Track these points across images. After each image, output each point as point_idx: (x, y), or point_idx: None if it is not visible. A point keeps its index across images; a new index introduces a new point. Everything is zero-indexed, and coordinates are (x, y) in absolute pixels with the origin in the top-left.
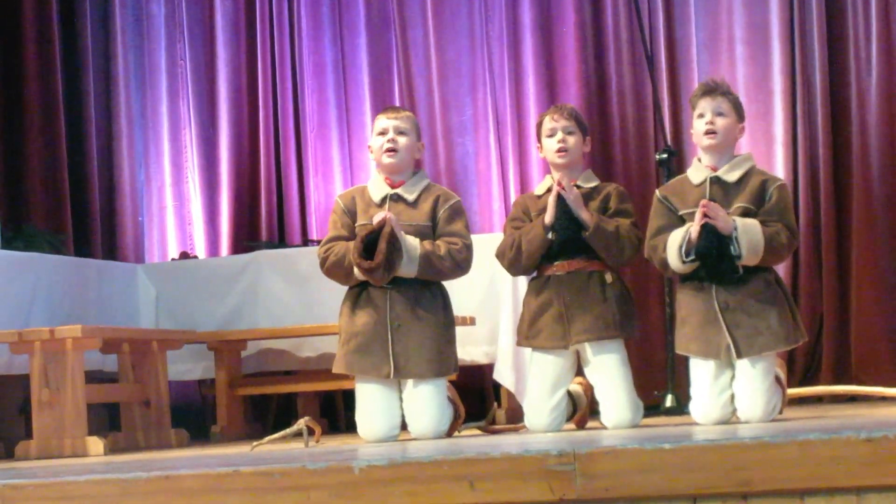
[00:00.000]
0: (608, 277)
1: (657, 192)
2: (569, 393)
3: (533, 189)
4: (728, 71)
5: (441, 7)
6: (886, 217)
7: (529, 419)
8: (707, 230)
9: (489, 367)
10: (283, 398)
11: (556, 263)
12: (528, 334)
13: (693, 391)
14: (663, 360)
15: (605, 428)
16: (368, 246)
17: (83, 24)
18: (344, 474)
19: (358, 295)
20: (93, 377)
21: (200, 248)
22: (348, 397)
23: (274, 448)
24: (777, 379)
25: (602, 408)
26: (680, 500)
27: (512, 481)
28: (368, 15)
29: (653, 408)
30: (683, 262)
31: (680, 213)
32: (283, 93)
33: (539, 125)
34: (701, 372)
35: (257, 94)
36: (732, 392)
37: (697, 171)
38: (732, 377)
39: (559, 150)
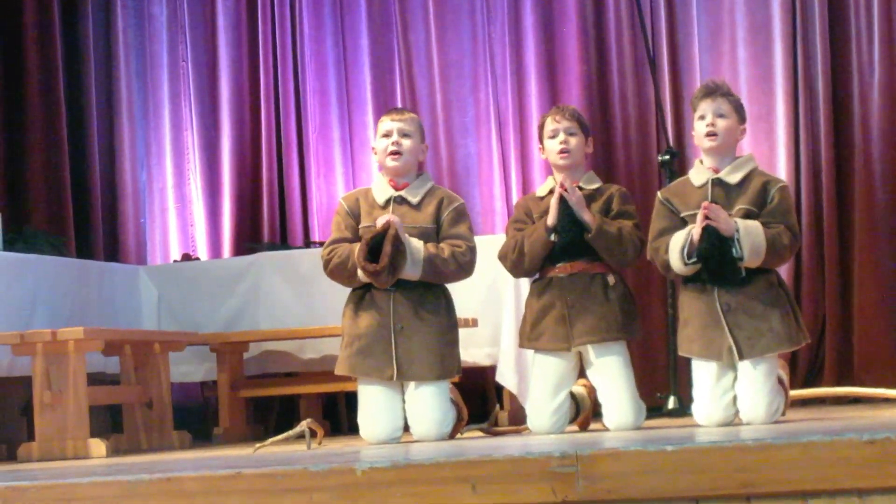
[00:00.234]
0: (610, 279)
1: (659, 193)
2: (572, 395)
3: (535, 190)
4: (730, 72)
5: (443, 8)
6: (889, 218)
7: (532, 421)
8: (709, 232)
9: (491, 369)
10: (286, 400)
11: (558, 265)
12: (530, 336)
13: (695, 393)
14: (666, 361)
15: (607, 430)
16: (373, 249)
17: (85, 26)
18: (346, 476)
19: (361, 297)
20: (95, 379)
21: (202, 250)
22: (350, 399)
23: (276, 450)
24: (779, 380)
25: (604, 410)
26: (682, 502)
27: (514, 483)
28: (370, 16)
29: (655, 409)
30: (685, 265)
31: (682, 214)
32: (285, 94)
33: (541, 126)
34: (703, 374)
35: (259, 95)
36: (735, 394)
37: (699, 173)
38: (735, 379)
39: (561, 152)
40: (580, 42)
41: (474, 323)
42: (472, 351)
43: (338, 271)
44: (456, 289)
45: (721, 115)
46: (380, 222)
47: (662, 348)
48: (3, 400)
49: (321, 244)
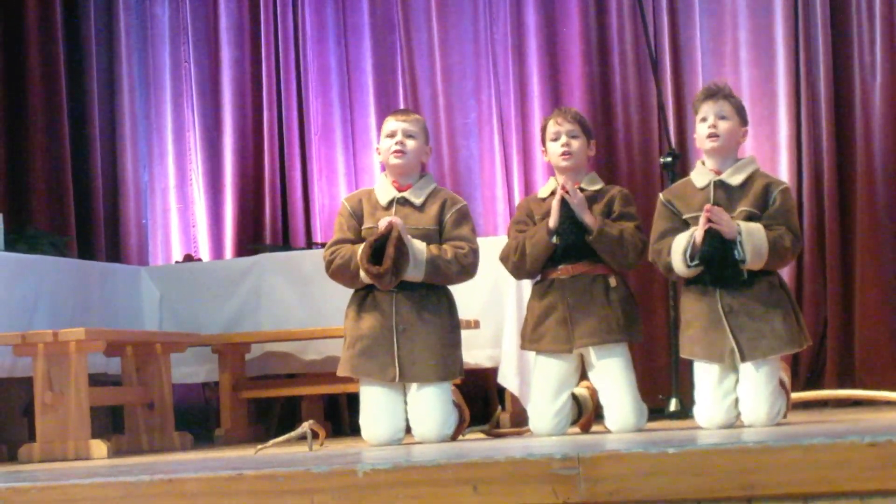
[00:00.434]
0: (612, 281)
1: (661, 195)
2: (575, 396)
3: (536, 192)
4: (732, 74)
5: (445, 10)
6: (890, 220)
7: (533, 423)
8: (711, 235)
9: (493, 371)
10: (287, 401)
11: (560, 267)
12: (531, 338)
13: (697, 395)
14: (667, 363)
15: (609, 432)
16: (375, 251)
17: (87, 27)
18: (348, 478)
19: (363, 298)
20: (96, 380)
21: (204, 251)
22: (352, 400)
23: (278, 451)
24: (781, 383)
25: (606, 412)
26: None
27: (516, 485)
28: (373, 18)
29: (657, 412)
30: (688, 267)
31: (684, 216)
32: (287, 95)
33: (543, 128)
34: (705, 376)
35: (261, 96)
36: (736, 396)
37: (701, 175)
38: (736, 381)
39: (563, 154)
40: (582, 44)
41: (476, 325)
42: (473, 353)
43: (340, 272)
44: (458, 290)
45: (723, 118)
46: (382, 224)
47: (664, 350)
48: (5, 401)
49: (323, 245)
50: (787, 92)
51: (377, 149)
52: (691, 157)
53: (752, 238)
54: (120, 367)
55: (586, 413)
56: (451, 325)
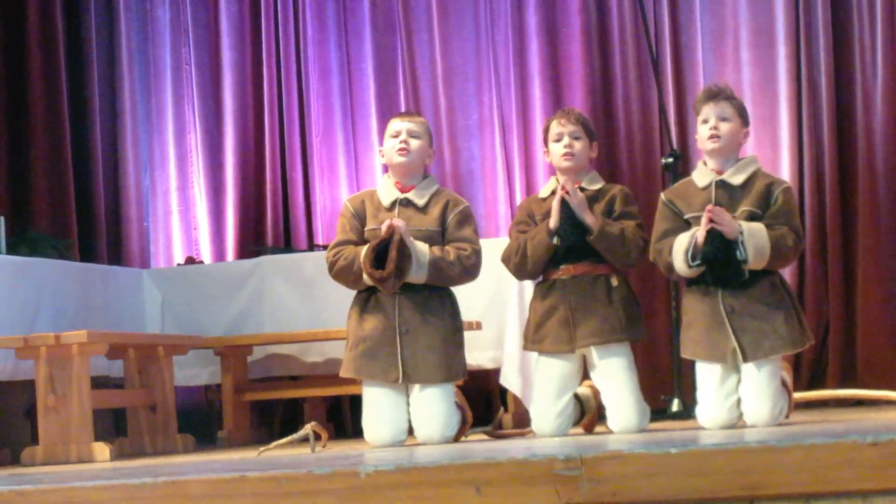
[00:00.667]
0: (614, 281)
1: (662, 195)
2: (577, 397)
3: (536, 192)
4: (733, 74)
5: (446, 11)
6: (892, 220)
7: (536, 423)
8: (713, 235)
9: (495, 372)
10: (290, 403)
11: (561, 267)
12: (533, 338)
13: (699, 395)
14: (669, 364)
15: (611, 432)
16: (378, 254)
17: (88, 29)
18: (350, 479)
19: (366, 299)
20: (99, 383)
21: (206, 253)
22: (355, 402)
23: (280, 453)
24: (783, 383)
25: (608, 412)
26: None
27: (518, 486)
28: (374, 19)
29: (659, 412)
30: (689, 267)
31: (685, 216)
32: (288, 97)
33: (546, 129)
34: (707, 376)
35: (263, 98)
36: (738, 396)
37: (702, 175)
38: (738, 381)
39: (565, 155)
40: (583, 45)
41: (478, 326)
42: (476, 354)
43: (343, 273)
44: (460, 292)
45: (724, 119)
46: (384, 227)
47: (666, 350)
48: (7, 403)
49: (325, 247)
50: (789, 92)
51: (380, 150)
52: (692, 157)
53: (754, 238)
54: (122, 369)
55: (589, 413)
56: (454, 327)
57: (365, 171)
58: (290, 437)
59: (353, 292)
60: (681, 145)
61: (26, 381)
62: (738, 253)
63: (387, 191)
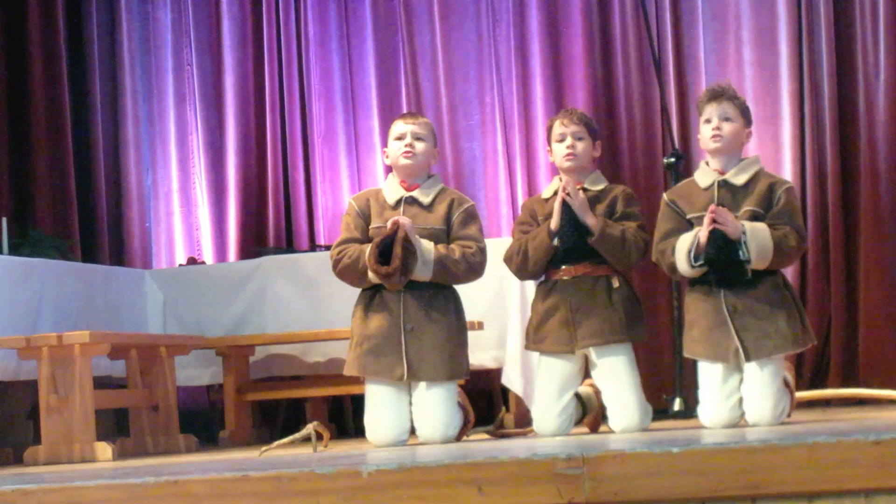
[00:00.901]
0: (615, 282)
1: (665, 195)
2: (579, 396)
3: (541, 192)
4: (735, 74)
5: (448, 11)
6: (894, 219)
7: (537, 423)
8: (716, 235)
9: (497, 372)
10: (292, 403)
11: (562, 268)
12: (534, 338)
13: (701, 395)
14: (671, 363)
15: (613, 431)
16: (383, 251)
17: (89, 30)
18: (352, 479)
19: (371, 298)
20: (101, 383)
21: (208, 254)
22: (357, 402)
23: (282, 453)
24: (785, 382)
25: (610, 411)
26: None
27: (520, 485)
28: (375, 20)
29: (661, 411)
30: (692, 267)
31: (688, 216)
32: (290, 98)
33: (549, 129)
34: (709, 375)
35: (264, 99)
36: (741, 396)
37: (705, 175)
38: (741, 381)
39: (567, 156)
40: (585, 44)
41: (480, 326)
42: (478, 354)
43: (347, 272)
44: (462, 291)
45: (727, 119)
46: (389, 223)
47: (668, 350)
48: (10, 404)
49: (327, 248)
50: (791, 92)
51: (384, 151)
52: (695, 157)
53: (757, 238)
54: (124, 369)
55: (591, 413)
56: (458, 325)
57: (367, 171)
58: (291, 437)
59: (356, 293)
60: (683, 145)
61: (29, 382)
62: (740, 253)
63: (392, 189)
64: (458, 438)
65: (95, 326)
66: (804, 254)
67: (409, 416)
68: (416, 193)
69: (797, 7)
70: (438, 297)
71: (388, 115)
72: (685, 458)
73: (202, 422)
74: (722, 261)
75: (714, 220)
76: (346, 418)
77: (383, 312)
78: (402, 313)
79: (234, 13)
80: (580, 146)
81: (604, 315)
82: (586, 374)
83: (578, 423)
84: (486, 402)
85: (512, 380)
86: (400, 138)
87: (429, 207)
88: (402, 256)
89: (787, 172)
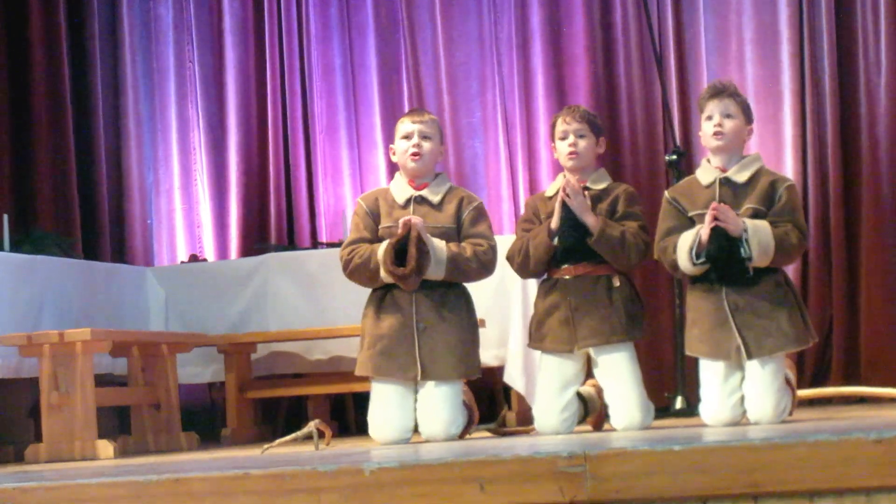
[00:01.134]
0: (615, 281)
1: (666, 193)
2: (581, 395)
3: (542, 190)
4: (737, 72)
5: (450, 9)
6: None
7: (539, 421)
8: (717, 233)
9: (499, 370)
10: (294, 401)
11: (563, 267)
12: (536, 336)
13: (703, 393)
14: (673, 362)
15: (615, 430)
16: (397, 253)
17: (91, 27)
18: (354, 476)
19: (382, 297)
20: (102, 380)
21: (210, 251)
22: (358, 400)
23: (284, 451)
24: (787, 380)
25: (612, 410)
26: (690, 502)
27: (522, 483)
28: (377, 17)
29: (663, 410)
30: (694, 265)
31: (689, 214)
32: (291, 95)
33: (552, 126)
34: (710, 374)
35: (266, 96)
36: (742, 394)
37: (706, 172)
38: (742, 379)
39: (570, 154)
40: (587, 42)
41: (482, 324)
42: (480, 352)
43: (358, 272)
44: None
45: (728, 116)
46: (401, 224)
47: (670, 348)
48: (11, 401)
49: (329, 245)
50: (793, 90)
51: (391, 149)
52: (696, 154)
53: (759, 235)
54: (126, 367)
55: (593, 412)
56: (469, 324)
57: (368, 168)
58: (293, 435)
59: (357, 290)
60: (684, 142)
61: (30, 379)
62: (742, 250)
63: (401, 188)
64: (460, 437)
65: (97, 324)
66: (805, 252)
67: (413, 415)
68: (425, 193)
69: (798, 4)
70: (450, 296)
71: (390, 112)
72: (687, 456)
73: (204, 419)
74: (723, 258)
75: (715, 218)
76: (347, 416)
77: (395, 312)
78: (415, 313)
79: (235, 10)
80: (582, 144)
81: (603, 314)
82: (589, 373)
83: (581, 422)
84: (489, 400)
85: (514, 378)
86: (407, 137)
87: (438, 206)
88: (416, 257)
89: (789, 170)
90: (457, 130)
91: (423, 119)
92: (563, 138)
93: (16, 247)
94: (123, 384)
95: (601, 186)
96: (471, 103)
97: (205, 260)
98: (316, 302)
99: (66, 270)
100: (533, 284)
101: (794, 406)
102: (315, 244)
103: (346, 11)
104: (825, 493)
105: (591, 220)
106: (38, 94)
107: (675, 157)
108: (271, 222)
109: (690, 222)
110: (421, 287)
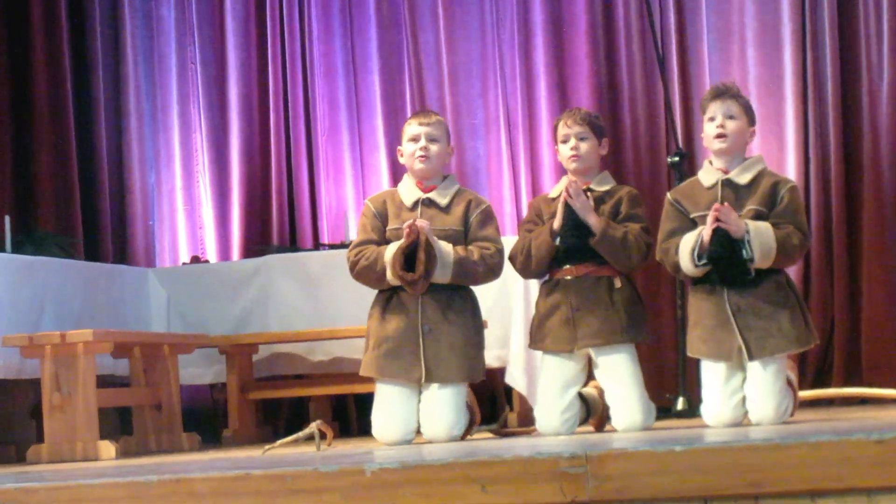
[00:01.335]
0: (617, 282)
1: (668, 194)
2: (583, 397)
3: (545, 191)
4: (739, 73)
5: (452, 9)
6: None
7: (540, 422)
8: (719, 234)
9: (501, 371)
10: (295, 402)
11: (565, 267)
12: (537, 337)
13: (704, 394)
14: (675, 362)
15: (616, 430)
16: (406, 257)
17: (92, 28)
18: (356, 477)
19: (388, 299)
20: (104, 381)
21: (211, 252)
22: (360, 401)
23: (285, 451)
24: (788, 381)
25: (613, 410)
26: (691, 502)
27: (523, 484)
28: (379, 17)
29: (664, 410)
30: (696, 266)
31: (691, 215)
32: (293, 96)
33: (555, 128)
34: (712, 374)
35: (268, 96)
36: (744, 394)
37: (708, 174)
38: (744, 379)
39: (571, 157)
40: (589, 43)
41: (484, 325)
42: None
43: (365, 273)
44: None
45: (731, 117)
46: (407, 227)
47: (671, 349)
48: (12, 402)
49: (331, 246)
50: (795, 91)
51: (399, 151)
52: (699, 156)
53: (761, 237)
54: (128, 368)
55: (595, 413)
56: (475, 326)
57: (371, 169)
58: (295, 436)
59: (359, 291)
60: (687, 144)
61: (32, 380)
62: (744, 252)
63: (409, 191)
64: (462, 437)
65: (99, 325)
66: (807, 253)
67: (417, 416)
68: (433, 195)
69: (801, 6)
70: (456, 299)
71: (392, 113)
72: (688, 456)
73: (205, 420)
74: (725, 260)
75: (717, 219)
76: (349, 417)
77: (401, 314)
78: (420, 315)
79: (237, 11)
80: (584, 147)
81: (604, 315)
82: (590, 373)
83: (583, 423)
84: (490, 401)
85: (515, 378)
86: (414, 139)
87: (446, 209)
88: (425, 261)
89: (791, 172)
90: (458, 131)
91: (430, 121)
92: (565, 141)
93: (17, 248)
94: (125, 385)
95: (605, 188)
96: (473, 104)
97: (207, 261)
98: (317, 303)
99: (68, 271)
100: (535, 285)
101: (796, 407)
102: (317, 245)
103: (348, 11)
104: (826, 494)
105: (593, 221)
106: (40, 95)
107: (677, 158)
108: (273, 223)
109: (692, 224)
110: (428, 289)
